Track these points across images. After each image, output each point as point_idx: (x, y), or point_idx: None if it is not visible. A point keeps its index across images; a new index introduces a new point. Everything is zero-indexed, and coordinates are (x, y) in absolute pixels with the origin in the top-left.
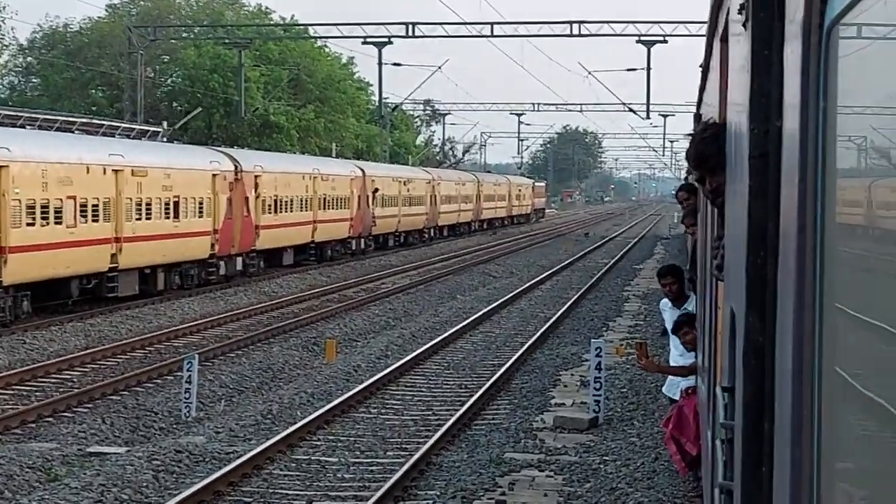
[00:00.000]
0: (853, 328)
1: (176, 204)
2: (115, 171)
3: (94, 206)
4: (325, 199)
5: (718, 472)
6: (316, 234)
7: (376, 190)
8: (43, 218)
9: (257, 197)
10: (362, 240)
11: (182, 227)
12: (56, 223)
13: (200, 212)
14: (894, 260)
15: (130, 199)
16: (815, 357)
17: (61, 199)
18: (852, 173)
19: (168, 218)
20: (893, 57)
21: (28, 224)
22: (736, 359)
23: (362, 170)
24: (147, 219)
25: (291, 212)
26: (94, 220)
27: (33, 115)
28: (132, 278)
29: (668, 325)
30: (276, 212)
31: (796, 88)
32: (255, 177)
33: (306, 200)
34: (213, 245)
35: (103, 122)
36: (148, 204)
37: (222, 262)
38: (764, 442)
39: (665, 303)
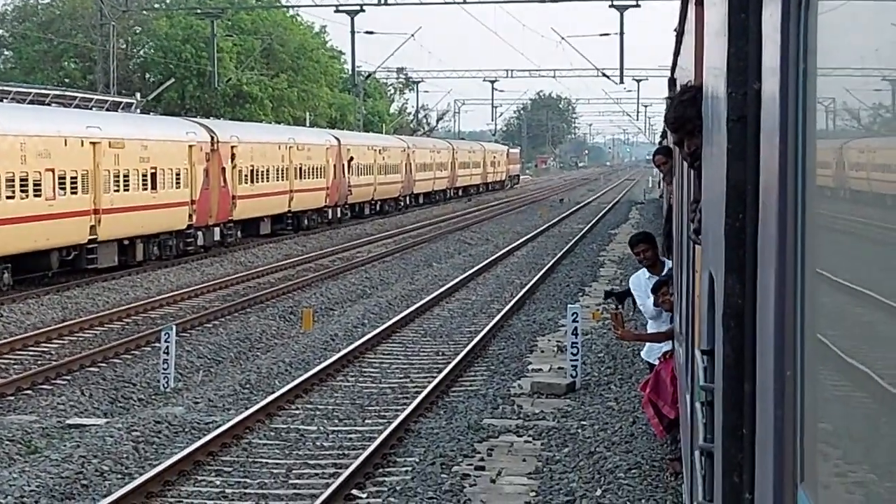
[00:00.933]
0: (834, 291)
1: (153, 175)
2: (93, 144)
3: (72, 178)
4: (300, 168)
5: (699, 434)
6: (292, 203)
7: (351, 159)
8: (22, 191)
9: (234, 167)
10: (338, 209)
11: (160, 199)
12: (35, 196)
13: (178, 183)
14: (876, 222)
15: (108, 171)
16: (796, 320)
17: (40, 172)
18: (833, 135)
19: (146, 189)
20: (871, 18)
21: (7, 197)
22: (715, 322)
23: (338, 139)
24: (125, 190)
25: (268, 182)
26: (72, 193)
27: (6, 88)
28: (111, 250)
29: (642, 300)
30: (252, 182)
31: (776, 51)
32: (232, 147)
33: (282, 170)
34: (190, 216)
35: (77, 95)
36: (126, 176)
37: (200, 233)
38: (744, 404)
39: (639, 275)
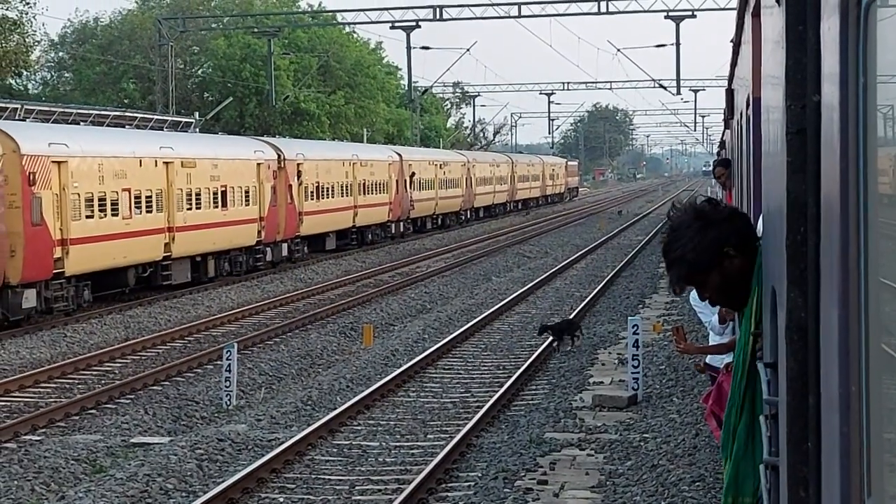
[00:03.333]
0: None
1: (224, 193)
2: (166, 163)
3: (147, 197)
4: (364, 184)
5: (763, 447)
6: (357, 218)
7: (413, 174)
8: (100, 210)
9: (300, 184)
10: (401, 223)
11: (230, 216)
12: (113, 215)
13: (247, 200)
14: None
15: (181, 190)
16: (860, 331)
17: (117, 192)
18: (894, 144)
19: (217, 207)
20: None
21: (87, 216)
22: (778, 335)
23: (399, 154)
24: (197, 208)
25: (333, 198)
26: (147, 211)
27: (67, 110)
28: (184, 266)
29: (707, 317)
30: (318, 198)
31: (835, 62)
32: (298, 164)
33: (347, 186)
34: (259, 232)
35: (136, 115)
36: (197, 194)
37: (269, 249)
38: (809, 417)
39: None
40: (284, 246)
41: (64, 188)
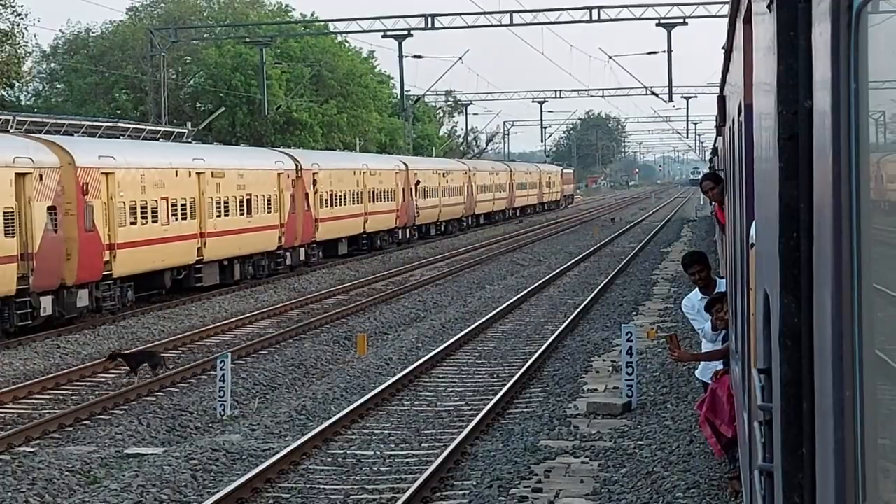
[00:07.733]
0: (891, 306)
1: (249, 201)
2: (198, 174)
3: (182, 205)
4: (373, 192)
5: (757, 454)
6: (367, 225)
7: (418, 182)
8: (142, 217)
9: (315, 192)
10: (407, 230)
11: (254, 222)
12: (153, 221)
13: (269, 208)
14: None
15: (211, 198)
16: (854, 336)
17: (156, 200)
18: (886, 149)
19: (242, 214)
20: None
21: (131, 223)
22: (772, 341)
23: (405, 164)
24: (225, 215)
25: (345, 205)
26: (182, 218)
27: (59, 121)
28: (214, 269)
29: (700, 324)
30: (331, 206)
31: (826, 69)
32: (314, 174)
33: (358, 194)
34: (280, 238)
35: (129, 125)
36: (226, 202)
37: (288, 253)
38: (803, 423)
39: (691, 297)
40: (302, 251)
41: (111, 197)
